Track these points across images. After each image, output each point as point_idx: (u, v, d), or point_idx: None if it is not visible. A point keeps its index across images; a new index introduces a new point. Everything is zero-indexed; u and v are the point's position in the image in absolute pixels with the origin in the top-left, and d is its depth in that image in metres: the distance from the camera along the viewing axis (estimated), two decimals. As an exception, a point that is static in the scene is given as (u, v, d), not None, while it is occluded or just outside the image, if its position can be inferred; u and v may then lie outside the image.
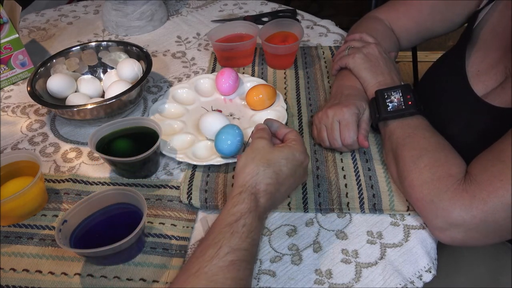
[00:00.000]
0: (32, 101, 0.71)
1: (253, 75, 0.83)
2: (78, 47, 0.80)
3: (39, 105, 0.76)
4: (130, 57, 0.80)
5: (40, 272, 0.52)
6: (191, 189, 0.59)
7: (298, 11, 1.04)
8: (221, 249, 0.42)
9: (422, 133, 0.57)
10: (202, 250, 0.43)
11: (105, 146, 0.62)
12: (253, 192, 0.47)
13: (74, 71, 0.80)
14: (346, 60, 0.69)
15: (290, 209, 0.57)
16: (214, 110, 0.71)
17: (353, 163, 0.63)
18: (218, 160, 0.61)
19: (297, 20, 0.98)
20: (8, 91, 0.83)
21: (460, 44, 0.69)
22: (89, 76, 0.80)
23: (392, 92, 0.62)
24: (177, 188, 0.61)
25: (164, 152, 0.64)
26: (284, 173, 0.50)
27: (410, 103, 0.60)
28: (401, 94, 0.61)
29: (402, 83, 0.65)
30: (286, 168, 0.51)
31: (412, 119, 0.60)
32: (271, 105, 0.72)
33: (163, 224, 0.56)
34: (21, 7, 0.86)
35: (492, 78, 0.61)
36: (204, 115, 0.66)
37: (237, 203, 0.46)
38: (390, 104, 0.61)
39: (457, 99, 0.65)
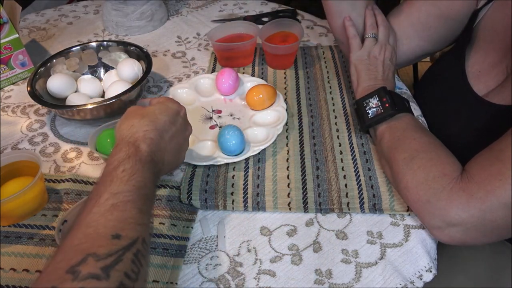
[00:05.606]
0: (32, 101, 0.71)
1: (253, 75, 0.83)
2: (78, 47, 0.80)
3: (39, 105, 0.76)
4: (130, 57, 0.80)
5: (40, 272, 0.52)
6: (191, 189, 0.59)
7: (298, 11, 1.04)
8: (101, 197, 0.39)
9: (412, 135, 0.57)
10: (83, 206, 0.40)
11: (105, 146, 0.62)
12: (131, 141, 0.46)
13: (74, 71, 0.80)
14: (372, 49, 0.69)
15: (290, 209, 0.57)
16: (213, 111, 0.71)
17: (353, 163, 0.63)
18: (218, 160, 0.62)
19: (297, 20, 0.98)
20: (8, 91, 0.83)
21: (459, 44, 0.68)
22: (89, 76, 0.80)
23: (370, 99, 0.63)
24: (177, 188, 0.61)
25: (164, 152, 0.64)
26: (161, 120, 0.49)
27: (387, 105, 0.60)
28: (378, 99, 0.62)
29: (379, 87, 0.64)
30: (163, 116, 0.50)
31: (398, 121, 0.59)
32: (271, 105, 0.72)
33: (163, 224, 0.56)
34: (21, 7, 0.86)
35: (493, 79, 0.61)
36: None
37: (115, 154, 0.44)
38: (369, 111, 0.62)
39: (457, 99, 0.65)
